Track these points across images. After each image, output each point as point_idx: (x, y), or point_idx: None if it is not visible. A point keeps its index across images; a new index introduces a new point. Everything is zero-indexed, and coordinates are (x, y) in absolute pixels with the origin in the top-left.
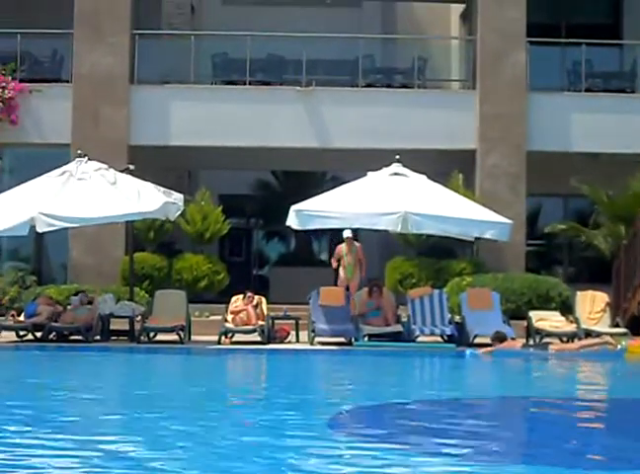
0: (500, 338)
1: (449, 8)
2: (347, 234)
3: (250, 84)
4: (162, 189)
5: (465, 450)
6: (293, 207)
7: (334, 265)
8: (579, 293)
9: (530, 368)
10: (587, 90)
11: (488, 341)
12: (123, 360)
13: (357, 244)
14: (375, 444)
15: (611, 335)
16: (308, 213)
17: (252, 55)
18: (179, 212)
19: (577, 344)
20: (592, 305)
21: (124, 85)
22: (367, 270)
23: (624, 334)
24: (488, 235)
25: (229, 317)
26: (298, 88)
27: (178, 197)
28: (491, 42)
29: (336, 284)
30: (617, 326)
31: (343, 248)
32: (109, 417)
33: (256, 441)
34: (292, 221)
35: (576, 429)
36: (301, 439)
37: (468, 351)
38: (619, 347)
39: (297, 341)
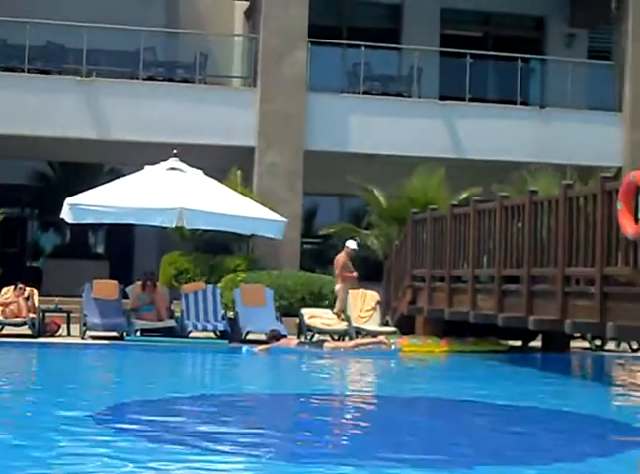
0: (275, 336)
1: (234, 5)
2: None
3: (29, 72)
4: None
5: (236, 447)
6: (68, 201)
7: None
8: (350, 292)
9: (305, 365)
10: (365, 92)
11: (261, 337)
12: None
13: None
14: (142, 441)
15: (381, 333)
16: (83, 208)
17: (31, 43)
18: None
19: (352, 342)
20: (362, 304)
21: None
22: (144, 263)
23: (394, 332)
24: (262, 233)
25: None
26: (78, 78)
27: None
28: (272, 41)
29: (111, 278)
30: (387, 324)
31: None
32: None
33: (15, 438)
34: (66, 215)
35: (349, 425)
36: (65, 436)
37: (244, 347)
38: (393, 346)
39: (69, 334)
